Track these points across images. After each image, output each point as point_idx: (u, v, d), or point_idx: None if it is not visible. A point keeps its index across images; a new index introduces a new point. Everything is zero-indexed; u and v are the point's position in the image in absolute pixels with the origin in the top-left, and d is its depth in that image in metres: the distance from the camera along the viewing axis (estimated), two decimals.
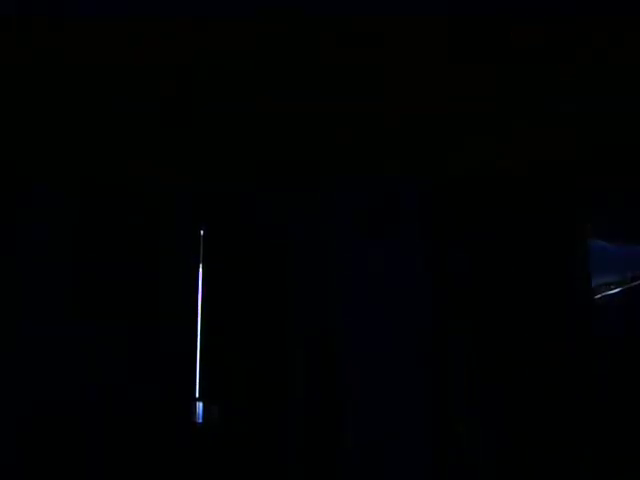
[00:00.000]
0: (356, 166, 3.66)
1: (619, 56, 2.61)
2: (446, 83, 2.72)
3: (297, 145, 3.92)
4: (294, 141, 3.87)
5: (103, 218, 3.44)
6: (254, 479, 3.68)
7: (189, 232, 3.98)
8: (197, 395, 3.76)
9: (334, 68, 2.70)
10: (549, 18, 2.33)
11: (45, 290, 3.12)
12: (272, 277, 4.66)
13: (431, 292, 3.37)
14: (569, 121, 2.86)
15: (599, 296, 2.94)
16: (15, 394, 3.03)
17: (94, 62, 2.63)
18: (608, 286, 2.94)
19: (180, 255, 3.89)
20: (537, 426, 3.12)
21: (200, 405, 3.53)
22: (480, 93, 2.73)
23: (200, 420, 3.48)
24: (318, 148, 3.87)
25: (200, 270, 4.03)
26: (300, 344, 4.59)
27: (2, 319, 3.00)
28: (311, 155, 4.00)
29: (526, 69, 2.57)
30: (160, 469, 3.26)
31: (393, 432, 3.29)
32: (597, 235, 3.00)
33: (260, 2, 2.38)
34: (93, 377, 3.24)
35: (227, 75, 3.07)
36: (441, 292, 3.38)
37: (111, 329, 3.40)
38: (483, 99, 2.78)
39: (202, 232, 4.09)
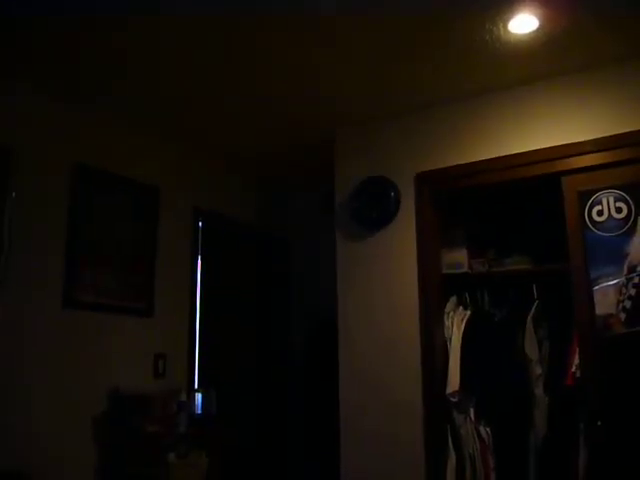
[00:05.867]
0: None
1: None
2: None
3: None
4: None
5: (103, 206, 3.45)
6: None
7: (188, 224, 3.99)
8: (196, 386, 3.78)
9: None
10: None
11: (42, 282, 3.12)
12: (272, 270, 4.68)
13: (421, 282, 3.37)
14: None
15: (597, 287, 2.93)
16: None
17: None
18: (607, 277, 2.92)
19: (179, 247, 3.90)
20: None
21: (199, 396, 3.51)
22: None
23: (199, 411, 3.46)
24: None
25: (199, 263, 4.04)
26: (300, 330, 4.64)
27: None
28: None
29: None
30: None
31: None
32: (594, 226, 2.98)
33: None
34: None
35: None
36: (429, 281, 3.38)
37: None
38: None
39: (201, 224, 4.10)
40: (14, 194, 3.01)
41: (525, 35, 2.79)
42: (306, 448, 4.43)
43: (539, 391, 3.18)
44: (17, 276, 2.97)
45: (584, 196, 3.02)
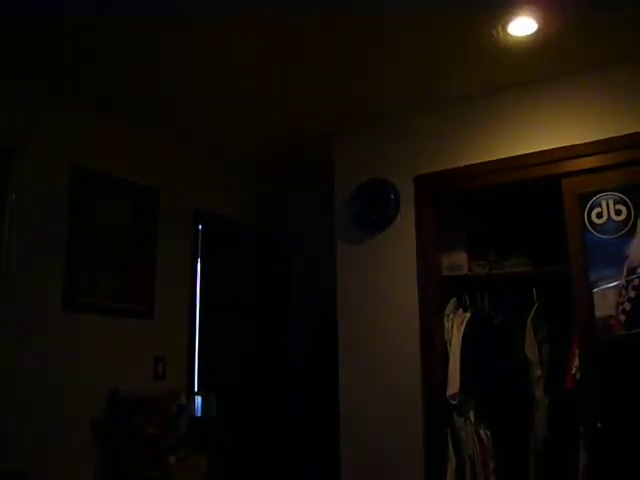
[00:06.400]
0: None
1: None
2: None
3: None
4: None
5: (103, 207, 3.45)
6: None
7: (188, 225, 3.98)
8: (196, 389, 3.78)
9: None
10: None
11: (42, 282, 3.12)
12: (271, 270, 4.68)
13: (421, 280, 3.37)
14: None
15: (597, 289, 2.93)
16: None
17: None
18: (606, 279, 2.92)
19: (179, 249, 3.89)
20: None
21: (199, 399, 3.50)
22: None
23: (199, 414, 3.46)
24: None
25: (199, 264, 4.03)
26: (300, 330, 4.63)
27: None
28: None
29: None
30: None
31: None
32: (594, 228, 2.98)
33: None
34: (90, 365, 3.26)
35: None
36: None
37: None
38: None
39: (200, 225, 4.09)
40: (14, 195, 3.01)
41: (524, 38, 2.80)
42: (306, 448, 4.43)
43: (539, 393, 3.18)
44: (17, 277, 2.97)
45: (584, 198, 3.02)
